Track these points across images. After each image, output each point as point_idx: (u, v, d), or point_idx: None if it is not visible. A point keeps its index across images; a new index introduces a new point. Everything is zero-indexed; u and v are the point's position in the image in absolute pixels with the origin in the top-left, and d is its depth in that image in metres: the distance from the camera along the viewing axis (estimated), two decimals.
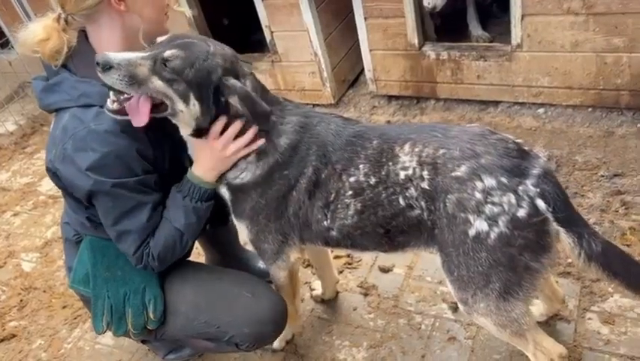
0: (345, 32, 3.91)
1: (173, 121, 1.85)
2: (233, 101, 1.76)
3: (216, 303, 2.06)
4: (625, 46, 2.93)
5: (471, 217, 1.63)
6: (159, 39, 1.83)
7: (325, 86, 3.89)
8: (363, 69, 3.88)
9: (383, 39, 3.55)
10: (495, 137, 1.72)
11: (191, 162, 2.00)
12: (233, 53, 1.85)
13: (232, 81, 1.76)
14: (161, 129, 1.91)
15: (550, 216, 1.62)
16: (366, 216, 1.82)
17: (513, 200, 1.60)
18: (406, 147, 1.75)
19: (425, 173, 1.70)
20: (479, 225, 1.62)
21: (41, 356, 2.74)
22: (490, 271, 1.66)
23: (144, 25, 1.88)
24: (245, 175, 1.90)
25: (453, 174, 1.66)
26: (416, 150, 1.73)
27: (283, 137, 1.85)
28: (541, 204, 1.61)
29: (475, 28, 3.82)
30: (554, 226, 1.63)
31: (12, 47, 4.82)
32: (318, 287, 2.61)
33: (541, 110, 3.39)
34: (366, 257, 2.74)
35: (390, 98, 3.85)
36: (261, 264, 2.55)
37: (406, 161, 1.73)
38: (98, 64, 1.67)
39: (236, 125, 1.83)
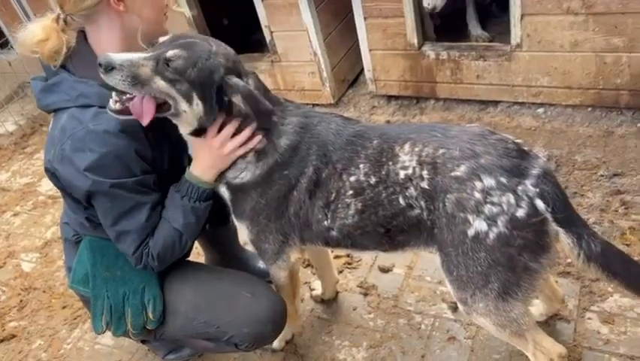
0: (344, 32, 3.91)
1: (174, 121, 1.85)
2: (236, 100, 1.76)
3: (216, 303, 2.06)
4: (624, 46, 2.93)
5: (470, 217, 1.63)
6: (161, 39, 1.83)
7: (325, 86, 3.89)
8: (362, 69, 3.88)
9: (383, 39, 3.55)
10: (495, 137, 1.72)
11: (190, 162, 2.00)
12: (235, 53, 1.85)
13: (235, 80, 1.76)
14: (161, 129, 1.91)
15: (549, 216, 1.62)
16: (367, 216, 1.82)
17: (512, 200, 1.60)
18: (406, 147, 1.75)
19: (425, 172, 1.70)
20: (478, 225, 1.62)
21: (41, 357, 2.74)
22: (489, 271, 1.66)
23: (143, 26, 1.88)
24: (244, 175, 1.90)
25: (452, 173, 1.66)
26: (416, 149, 1.73)
27: (283, 137, 1.85)
28: (540, 204, 1.61)
29: (475, 28, 3.82)
30: (553, 226, 1.63)
31: (11, 47, 4.82)
32: (317, 287, 2.61)
33: (540, 110, 3.39)
34: (366, 257, 2.74)
35: (389, 98, 3.85)
36: (260, 264, 2.55)
37: (406, 160, 1.73)
38: (100, 65, 1.67)
39: (234, 124, 1.83)
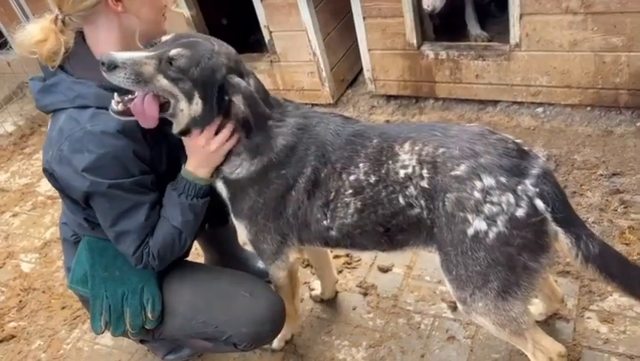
0: (343, 32, 3.91)
1: (171, 120, 1.85)
2: (237, 100, 1.77)
3: (214, 303, 2.06)
4: (623, 45, 2.93)
5: (470, 217, 1.63)
6: (163, 38, 1.83)
7: (324, 85, 3.89)
8: (361, 69, 3.88)
9: (382, 39, 3.55)
10: (494, 136, 1.72)
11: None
12: (236, 52, 1.86)
13: (237, 80, 1.77)
14: (159, 129, 1.91)
15: (548, 216, 1.62)
16: (366, 215, 1.82)
17: (512, 200, 1.60)
18: (406, 146, 1.75)
19: (425, 172, 1.70)
20: (478, 224, 1.62)
21: (41, 357, 2.74)
22: (488, 270, 1.66)
23: (142, 26, 1.88)
24: (240, 171, 1.91)
25: (452, 173, 1.66)
26: (416, 148, 1.73)
27: (280, 137, 1.86)
28: (539, 204, 1.61)
29: (474, 28, 3.82)
30: (553, 226, 1.63)
31: (10, 48, 4.82)
32: (317, 287, 2.61)
33: (539, 110, 3.39)
34: (366, 257, 2.74)
35: (389, 97, 3.85)
36: (260, 264, 2.55)
37: (406, 159, 1.73)
38: (103, 63, 1.67)
39: (215, 122, 1.83)
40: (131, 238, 1.90)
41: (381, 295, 2.55)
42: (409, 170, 1.72)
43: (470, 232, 1.64)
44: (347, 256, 2.77)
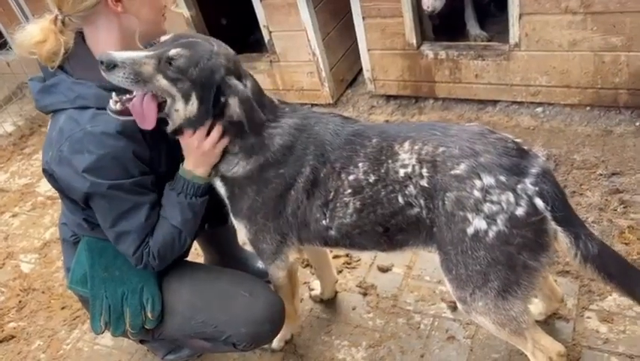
0: (343, 32, 3.91)
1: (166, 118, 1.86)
2: (233, 102, 1.77)
3: (213, 302, 2.06)
4: (623, 45, 2.94)
5: (470, 216, 1.63)
6: (162, 38, 1.83)
7: (323, 85, 3.89)
8: (361, 69, 3.88)
9: (381, 39, 3.55)
10: (494, 136, 1.72)
11: None
12: (235, 53, 1.86)
13: (234, 81, 1.77)
14: (158, 130, 1.91)
15: (548, 215, 1.62)
16: (365, 215, 1.82)
17: (512, 199, 1.60)
18: (406, 145, 1.75)
19: (424, 171, 1.70)
20: (478, 223, 1.62)
21: (40, 357, 2.74)
22: (488, 269, 1.66)
23: (142, 27, 1.88)
24: (237, 169, 1.91)
25: (452, 172, 1.66)
26: (416, 147, 1.73)
27: (277, 137, 1.86)
28: (539, 203, 1.61)
29: (473, 28, 3.82)
30: (552, 225, 1.63)
31: (10, 48, 4.82)
32: (317, 287, 2.61)
33: (539, 110, 3.39)
34: (365, 257, 2.74)
35: (388, 97, 3.85)
36: (259, 264, 2.55)
37: (406, 159, 1.74)
38: (102, 63, 1.68)
39: (207, 123, 1.83)
40: (131, 239, 1.90)
41: (381, 295, 2.55)
42: (409, 169, 1.72)
43: (470, 231, 1.64)
44: (347, 256, 2.77)
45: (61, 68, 1.88)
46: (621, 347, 2.10)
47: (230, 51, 1.86)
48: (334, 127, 1.88)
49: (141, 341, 2.37)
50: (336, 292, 2.61)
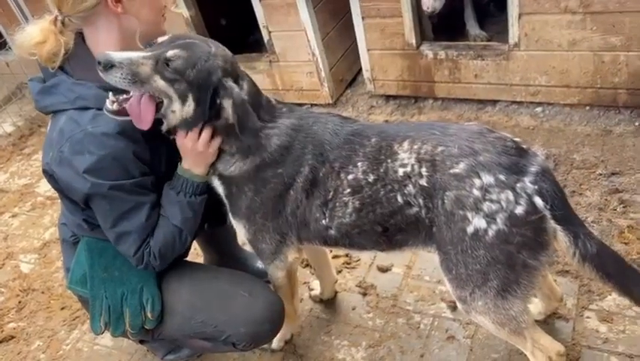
0: (342, 32, 3.92)
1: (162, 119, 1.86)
2: (227, 104, 1.77)
3: (213, 302, 2.06)
4: (622, 44, 2.94)
5: (469, 215, 1.63)
6: (160, 39, 1.83)
7: (323, 85, 3.89)
8: (360, 69, 3.89)
9: (381, 39, 3.55)
10: (493, 135, 1.72)
11: None
12: (232, 54, 1.86)
13: (230, 84, 1.78)
14: (158, 131, 1.91)
15: (547, 213, 1.62)
16: (365, 214, 1.82)
17: (511, 197, 1.60)
18: (405, 145, 1.76)
19: (424, 170, 1.70)
20: (477, 222, 1.63)
21: (40, 358, 2.74)
22: (488, 268, 1.67)
23: (141, 27, 1.88)
24: (234, 168, 1.91)
25: (451, 171, 1.66)
26: (415, 147, 1.74)
27: (274, 138, 1.86)
28: (538, 201, 1.62)
29: (473, 28, 3.82)
30: (552, 223, 1.63)
31: (9, 49, 4.82)
32: (316, 287, 2.61)
33: (538, 109, 3.39)
34: (365, 257, 2.74)
35: (388, 97, 3.85)
36: (259, 264, 2.56)
37: (405, 158, 1.74)
38: (99, 63, 1.68)
39: (199, 125, 1.83)
40: (132, 239, 1.90)
41: (381, 295, 2.55)
42: (408, 168, 1.72)
43: (470, 230, 1.64)
44: (346, 255, 2.77)
45: (61, 68, 1.88)
46: (621, 346, 2.10)
47: (228, 52, 1.86)
48: (333, 127, 1.88)
49: (141, 342, 2.37)
50: (336, 292, 2.61)
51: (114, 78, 1.69)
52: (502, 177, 1.61)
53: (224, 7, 4.32)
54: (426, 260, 2.59)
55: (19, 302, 3.07)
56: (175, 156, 2.06)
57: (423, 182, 1.70)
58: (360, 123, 1.94)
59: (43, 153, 1.95)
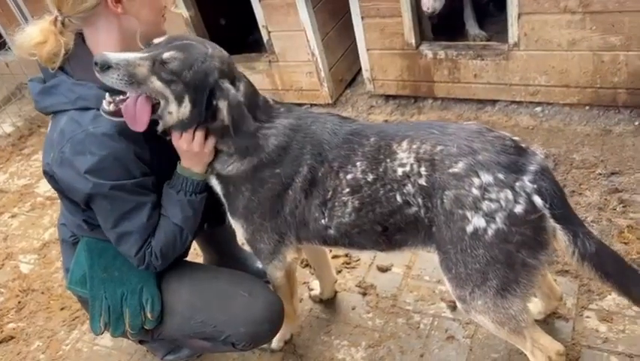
0: (342, 32, 3.92)
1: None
2: (222, 105, 1.77)
3: (212, 302, 2.06)
4: (622, 44, 2.94)
5: (468, 214, 1.63)
6: (156, 40, 1.83)
7: (322, 85, 3.89)
8: (360, 69, 3.89)
9: (380, 38, 3.56)
10: (492, 134, 1.72)
11: None
12: (229, 55, 1.86)
13: (227, 85, 1.78)
14: (157, 131, 1.91)
15: (547, 212, 1.62)
16: (364, 214, 1.82)
17: (510, 196, 1.60)
18: (404, 144, 1.76)
19: (423, 169, 1.70)
20: (477, 221, 1.63)
21: (40, 358, 2.74)
22: (487, 268, 1.67)
23: (141, 28, 1.88)
24: (231, 168, 1.91)
25: (450, 170, 1.66)
26: (414, 146, 1.74)
27: (272, 138, 1.86)
28: (538, 200, 1.62)
29: (472, 27, 3.82)
30: (551, 222, 1.63)
31: (9, 49, 4.82)
32: (316, 287, 2.61)
33: (538, 109, 3.40)
34: (365, 257, 2.74)
35: (387, 97, 3.85)
36: (258, 264, 2.55)
37: (404, 157, 1.74)
38: (96, 64, 1.68)
39: (192, 127, 1.83)
40: (133, 239, 1.90)
41: (381, 295, 2.55)
42: (407, 168, 1.72)
43: (469, 229, 1.64)
44: (346, 255, 2.77)
45: (61, 69, 1.88)
46: (620, 346, 2.10)
47: (225, 53, 1.86)
48: (332, 126, 1.88)
49: (141, 342, 2.36)
50: (336, 292, 2.61)
51: (111, 79, 1.69)
52: (501, 176, 1.61)
53: (224, 7, 4.32)
54: (426, 260, 2.59)
55: (19, 303, 3.07)
56: (175, 156, 2.06)
57: (422, 181, 1.70)
58: (359, 123, 1.94)
59: (43, 154, 1.95)
